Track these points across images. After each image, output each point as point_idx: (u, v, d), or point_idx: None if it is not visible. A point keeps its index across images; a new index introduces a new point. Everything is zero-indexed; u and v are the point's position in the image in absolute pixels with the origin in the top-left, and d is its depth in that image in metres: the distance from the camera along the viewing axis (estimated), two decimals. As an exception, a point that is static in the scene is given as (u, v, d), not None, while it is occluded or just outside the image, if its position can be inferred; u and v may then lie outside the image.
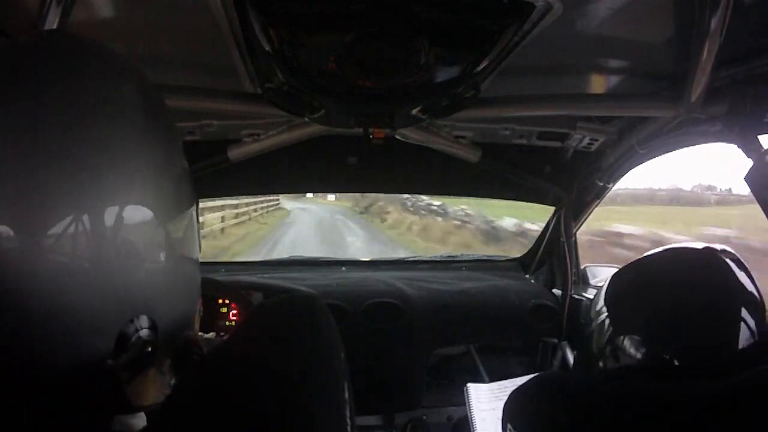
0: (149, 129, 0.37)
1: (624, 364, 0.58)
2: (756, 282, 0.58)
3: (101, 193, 0.32)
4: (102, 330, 0.32)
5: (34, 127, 0.30)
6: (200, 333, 1.07)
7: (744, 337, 0.53)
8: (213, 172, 1.33)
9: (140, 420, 0.40)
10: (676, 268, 0.60)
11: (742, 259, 0.60)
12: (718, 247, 0.61)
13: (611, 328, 0.60)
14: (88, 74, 0.35)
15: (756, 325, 0.54)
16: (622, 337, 0.58)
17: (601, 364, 0.61)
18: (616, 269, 1.69)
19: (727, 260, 0.58)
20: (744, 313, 0.54)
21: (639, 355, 0.56)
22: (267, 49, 0.79)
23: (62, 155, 0.31)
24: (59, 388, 0.32)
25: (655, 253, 0.65)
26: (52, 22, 0.64)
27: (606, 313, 0.62)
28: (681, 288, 0.57)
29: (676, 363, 0.53)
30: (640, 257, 0.66)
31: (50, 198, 0.30)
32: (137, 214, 0.34)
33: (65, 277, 0.30)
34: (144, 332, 0.34)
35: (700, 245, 0.62)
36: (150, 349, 0.35)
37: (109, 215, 0.32)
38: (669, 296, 0.57)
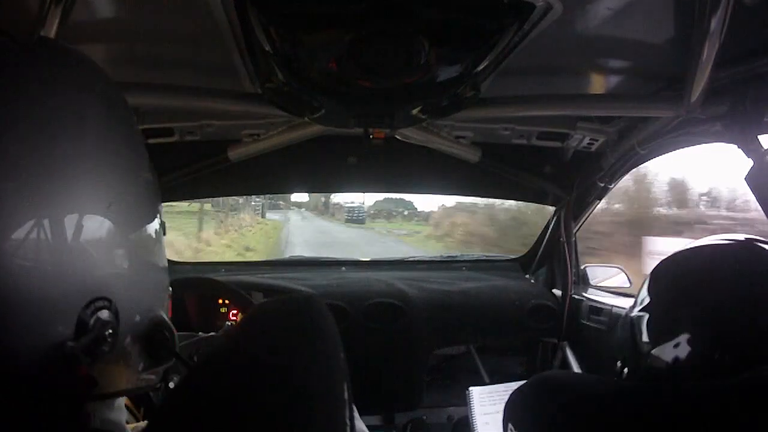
0: (113, 143, 0.38)
1: (675, 362, 0.55)
2: None
3: (58, 190, 0.33)
4: (60, 313, 0.33)
5: None
6: (200, 333, 1.08)
7: None
8: (213, 172, 1.33)
9: (120, 414, 0.41)
10: (724, 260, 0.58)
11: None
12: (757, 238, 0.59)
13: (660, 326, 0.58)
14: (53, 82, 0.35)
15: None
16: (672, 335, 0.56)
17: (648, 362, 0.59)
18: (617, 269, 1.69)
19: None
20: None
21: (692, 353, 0.54)
22: (267, 49, 0.79)
23: (22, 155, 0.32)
24: (22, 375, 0.32)
25: (694, 247, 0.63)
26: (52, 22, 0.64)
27: (652, 309, 0.60)
28: (729, 282, 0.55)
29: (727, 359, 0.52)
30: (677, 251, 0.64)
31: (9, 194, 0.31)
32: (93, 208, 0.35)
33: (22, 266, 0.31)
34: (103, 314, 0.35)
35: (740, 237, 0.60)
36: (110, 331, 0.35)
37: (66, 209, 0.34)
38: (717, 291, 0.55)
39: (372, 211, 17.19)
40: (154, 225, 0.43)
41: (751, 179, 0.83)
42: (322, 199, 17.72)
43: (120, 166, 0.39)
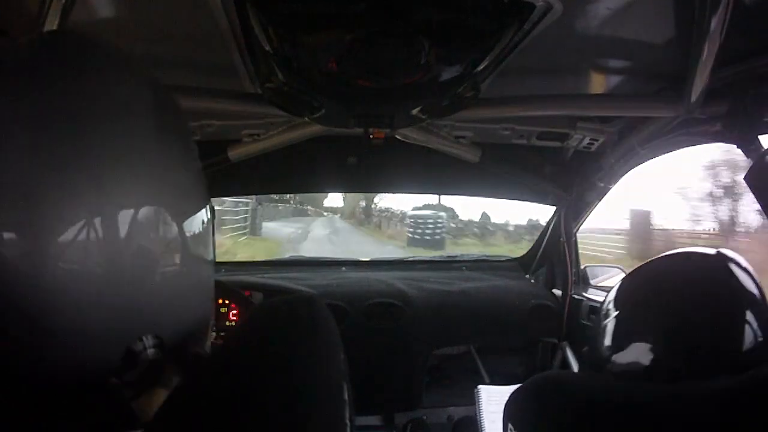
0: (162, 130, 0.36)
1: (631, 368, 0.58)
2: (761, 287, 0.59)
3: (112, 198, 0.31)
4: (109, 346, 0.32)
5: (41, 129, 0.30)
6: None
7: (748, 340, 0.54)
8: (213, 172, 1.33)
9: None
10: (683, 273, 0.61)
11: (747, 265, 0.60)
12: (727, 252, 0.61)
13: (619, 332, 0.61)
14: (99, 75, 0.34)
15: (759, 327, 0.55)
16: (629, 342, 0.59)
17: (608, 366, 0.61)
18: (617, 269, 1.69)
19: (732, 265, 0.59)
20: (749, 315, 0.55)
21: (646, 360, 0.57)
22: (267, 49, 0.79)
23: (71, 158, 0.30)
24: (63, 403, 0.31)
25: (666, 256, 0.65)
26: (52, 22, 0.64)
27: (614, 317, 0.63)
28: (687, 293, 0.58)
29: (684, 368, 0.54)
30: (650, 260, 0.67)
31: (59, 204, 0.29)
32: (150, 223, 0.33)
33: (75, 288, 0.30)
34: (151, 351, 0.34)
35: (710, 250, 0.62)
36: (156, 368, 0.35)
37: (121, 223, 0.31)
38: (675, 301, 0.57)
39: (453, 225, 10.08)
40: (208, 239, 0.40)
41: (751, 179, 0.83)
42: (362, 203, 12.21)
43: (175, 170, 0.36)
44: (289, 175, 1.50)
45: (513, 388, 1.17)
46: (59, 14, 0.64)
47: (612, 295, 0.66)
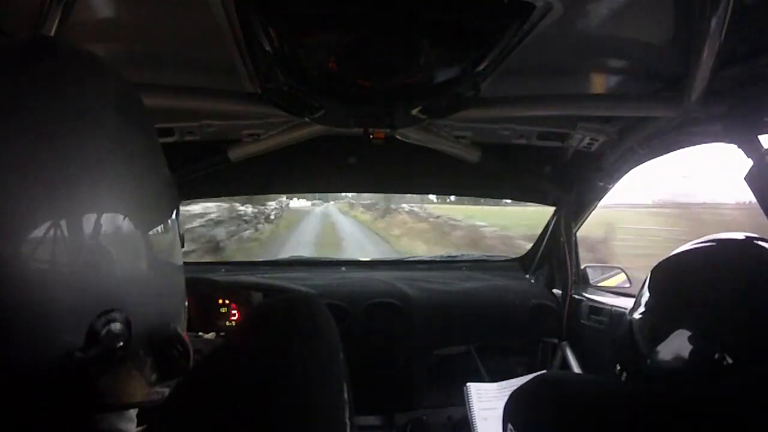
0: (126, 131, 0.37)
1: (672, 364, 0.56)
2: None
3: (76, 193, 0.32)
4: (72, 322, 0.32)
5: (8, 131, 0.31)
6: (200, 333, 1.08)
7: None
8: (213, 172, 1.33)
9: (130, 423, 0.40)
10: (720, 260, 0.59)
11: None
12: (756, 236, 0.59)
13: (658, 327, 0.58)
14: (66, 79, 0.35)
15: None
16: (671, 336, 0.56)
17: (647, 364, 0.59)
18: (617, 269, 1.69)
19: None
20: None
21: (689, 354, 0.54)
22: (267, 49, 0.79)
23: (37, 156, 0.31)
24: (29, 383, 0.31)
25: (694, 246, 0.63)
26: (52, 22, 0.64)
27: (649, 312, 0.60)
28: (728, 282, 0.56)
29: (730, 361, 0.52)
30: (678, 251, 0.64)
31: (25, 196, 0.30)
32: (111, 212, 0.35)
33: (37, 272, 0.30)
34: (115, 326, 0.34)
35: (739, 235, 0.60)
36: (121, 343, 0.35)
37: (84, 214, 0.33)
38: (716, 291, 0.55)
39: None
40: (173, 233, 0.41)
41: (751, 179, 0.83)
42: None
43: (138, 168, 0.38)
44: (289, 175, 1.51)
45: (505, 383, 1.15)
46: (59, 14, 0.64)
47: (645, 288, 0.63)
